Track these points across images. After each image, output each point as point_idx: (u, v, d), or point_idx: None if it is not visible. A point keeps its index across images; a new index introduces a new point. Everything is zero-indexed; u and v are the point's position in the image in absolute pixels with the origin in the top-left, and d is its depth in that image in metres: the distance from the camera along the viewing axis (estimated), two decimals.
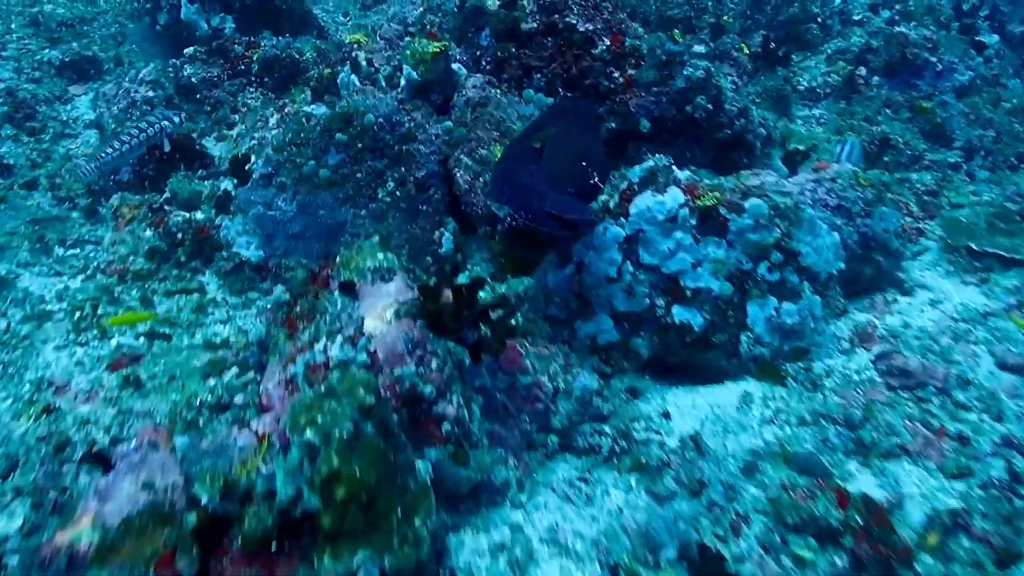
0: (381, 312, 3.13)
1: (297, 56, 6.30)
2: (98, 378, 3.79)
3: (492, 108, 4.87)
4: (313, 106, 5.00)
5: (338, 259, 3.28)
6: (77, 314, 4.29)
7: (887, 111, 6.07)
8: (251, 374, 3.62)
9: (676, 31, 5.20)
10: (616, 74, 5.27)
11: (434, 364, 3.04)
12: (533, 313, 4.33)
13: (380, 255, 3.23)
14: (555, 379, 3.72)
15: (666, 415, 3.85)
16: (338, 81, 5.14)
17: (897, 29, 6.53)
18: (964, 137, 6.05)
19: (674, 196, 4.10)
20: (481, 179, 4.61)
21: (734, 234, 4.08)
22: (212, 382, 3.61)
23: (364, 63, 5.06)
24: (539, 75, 5.41)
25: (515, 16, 5.43)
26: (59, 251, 5.14)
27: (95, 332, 4.18)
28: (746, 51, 7.07)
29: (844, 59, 7.38)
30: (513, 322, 3.36)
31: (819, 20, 7.73)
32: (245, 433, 2.64)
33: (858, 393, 3.78)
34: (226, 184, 4.98)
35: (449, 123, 4.81)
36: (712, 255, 4.09)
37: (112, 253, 4.73)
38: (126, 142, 5.10)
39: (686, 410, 3.88)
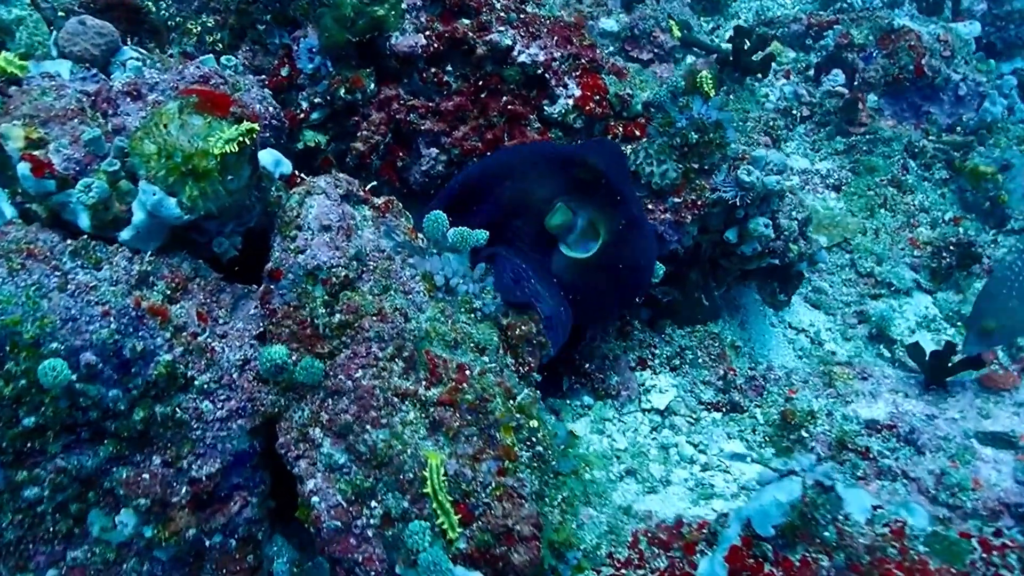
0: None
1: None
2: None
3: (374, 287, 2.03)
4: None
5: None
6: None
7: (912, 164, 3.97)
8: None
9: (704, 74, 2.60)
10: None
11: None
12: None
13: None
14: None
15: None
16: None
17: (899, 22, 4.37)
18: None
19: None
20: (373, 505, 1.85)
21: None
22: None
23: (20, 158, 1.90)
24: (433, 149, 2.59)
25: (376, 15, 2.50)
26: None
27: None
28: (676, 32, 4.58)
29: (776, 38, 5.15)
30: None
31: None
32: None
33: None
34: None
35: (276, 349, 1.90)
36: None
37: None
38: None
39: None
